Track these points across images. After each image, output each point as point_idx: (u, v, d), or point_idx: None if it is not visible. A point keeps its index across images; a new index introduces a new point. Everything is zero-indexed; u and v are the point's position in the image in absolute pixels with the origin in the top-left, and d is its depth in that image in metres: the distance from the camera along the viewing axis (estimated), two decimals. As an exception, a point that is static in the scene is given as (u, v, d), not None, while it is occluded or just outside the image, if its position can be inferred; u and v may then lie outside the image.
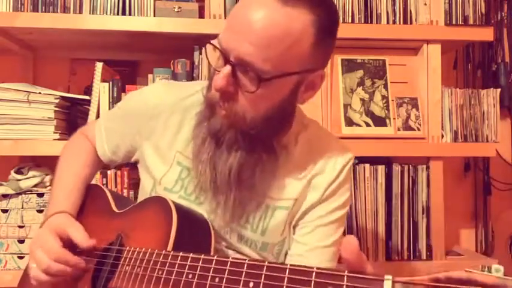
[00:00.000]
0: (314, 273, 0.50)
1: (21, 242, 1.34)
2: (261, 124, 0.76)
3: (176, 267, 0.66)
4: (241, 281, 0.57)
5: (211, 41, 0.75)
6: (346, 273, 0.47)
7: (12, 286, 0.99)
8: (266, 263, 0.56)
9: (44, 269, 0.77)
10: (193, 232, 0.78)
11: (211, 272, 0.62)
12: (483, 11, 1.46)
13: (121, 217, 0.86)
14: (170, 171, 0.87)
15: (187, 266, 0.65)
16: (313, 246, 0.85)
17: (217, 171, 0.79)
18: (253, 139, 0.78)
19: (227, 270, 0.60)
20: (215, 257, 0.63)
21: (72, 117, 1.45)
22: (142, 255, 0.73)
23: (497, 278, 0.38)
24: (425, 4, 1.46)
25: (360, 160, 1.43)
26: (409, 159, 1.46)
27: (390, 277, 0.43)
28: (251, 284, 0.56)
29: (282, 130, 0.83)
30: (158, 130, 0.89)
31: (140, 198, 0.95)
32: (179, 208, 0.77)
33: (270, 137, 0.81)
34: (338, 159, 0.86)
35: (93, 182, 1.23)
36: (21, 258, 1.34)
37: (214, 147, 0.79)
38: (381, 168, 1.43)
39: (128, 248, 0.77)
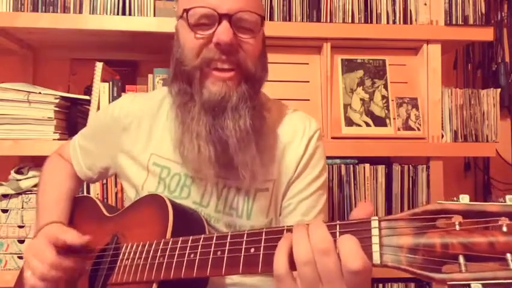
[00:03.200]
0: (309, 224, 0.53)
1: (21, 242, 1.34)
2: (260, 71, 0.81)
3: (177, 250, 0.67)
4: (243, 249, 0.59)
5: (192, 7, 0.77)
6: (337, 222, 0.52)
7: (12, 286, 0.99)
8: (264, 229, 0.58)
9: (40, 276, 0.78)
10: (188, 224, 0.79)
11: (212, 247, 0.63)
12: (483, 11, 1.46)
13: (114, 219, 0.87)
14: (150, 175, 0.88)
15: (188, 247, 0.66)
16: (301, 220, 0.85)
17: (225, 139, 0.77)
18: (255, 91, 0.81)
19: (228, 243, 0.62)
20: (215, 234, 0.65)
21: (72, 117, 1.45)
22: (141, 247, 0.73)
23: (465, 204, 0.44)
24: (425, 4, 1.46)
25: (360, 160, 1.43)
26: (409, 159, 1.46)
27: (376, 217, 0.49)
28: (252, 250, 0.58)
29: (264, 81, 0.86)
30: (130, 139, 0.91)
31: (126, 204, 0.95)
32: (173, 201, 0.78)
33: (260, 89, 0.84)
34: (305, 133, 0.88)
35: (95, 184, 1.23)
36: (21, 258, 1.34)
37: (211, 120, 0.78)
38: (381, 168, 1.43)
39: (125, 244, 0.77)
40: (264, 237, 0.58)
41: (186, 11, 0.77)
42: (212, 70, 0.77)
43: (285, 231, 0.56)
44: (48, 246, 0.79)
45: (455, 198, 0.45)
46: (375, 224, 0.49)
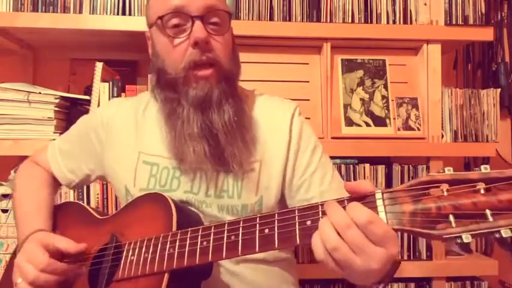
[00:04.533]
0: (320, 206, 0.61)
1: (21, 242, 1.34)
2: (234, 67, 0.86)
3: (188, 240, 0.69)
4: (257, 230, 0.64)
5: (164, 15, 0.81)
6: (345, 198, 0.59)
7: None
8: (277, 211, 0.64)
9: (31, 281, 0.77)
10: (188, 215, 0.81)
11: (225, 233, 0.67)
12: (483, 11, 1.46)
13: (110, 221, 0.87)
14: (138, 172, 0.89)
15: (199, 236, 0.69)
16: (320, 192, 0.88)
17: (216, 132, 0.82)
18: (232, 87, 0.85)
19: (241, 227, 0.66)
20: (227, 221, 0.68)
21: (72, 117, 1.45)
22: (147, 242, 0.74)
23: (450, 174, 0.54)
24: (425, 4, 1.46)
25: (360, 160, 1.43)
26: (409, 159, 1.46)
27: (380, 190, 0.58)
28: (266, 230, 0.64)
29: (239, 72, 0.90)
30: (116, 140, 0.92)
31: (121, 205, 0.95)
32: (171, 197, 0.79)
33: (236, 79, 0.89)
34: (285, 112, 0.92)
35: (93, 183, 1.22)
36: (21, 258, 1.34)
37: (201, 115, 0.82)
38: (381, 168, 1.43)
39: (127, 242, 0.77)
40: (276, 218, 0.63)
41: (160, 18, 0.81)
42: (194, 71, 0.81)
43: (296, 210, 0.62)
44: (41, 250, 0.79)
45: (441, 170, 0.55)
46: (379, 195, 0.57)
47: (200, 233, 0.69)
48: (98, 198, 1.38)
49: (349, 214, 0.55)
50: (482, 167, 0.53)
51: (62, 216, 0.94)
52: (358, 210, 0.55)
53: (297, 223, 0.61)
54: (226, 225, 0.67)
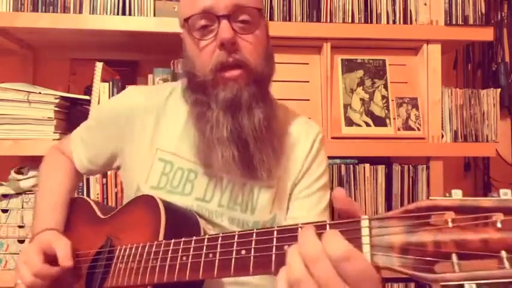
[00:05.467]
0: (299, 229, 0.52)
1: (21, 242, 1.34)
2: (265, 67, 0.82)
3: (170, 253, 0.67)
4: (234, 251, 0.58)
5: (190, 16, 0.79)
6: (327, 222, 0.50)
7: (12, 286, 0.99)
8: (255, 230, 0.58)
9: (28, 284, 0.78)
10: (182, 224, 0.79)
11: (204, 250, 0.62)
12: (483, 11, 1.46)
13: (108, 222, 0.86)
14: (153, 169, 0.87)
15: (180, 250, 0.66)
16: (305, 217, 0.87)
17: (245, 137, 0.79)
18: (263, 89, 0.82)
19: (219, 245, 0.61)
20: (207, 236, 0.64)
21: (72, 117, 1.45)
22: (134, 250, 0.73)
23: (457, 200, 0.42)
24: (425, 4, 1.46)
25: (360, 160, 1.43)
26: (409, 159, 1.46)
27: (366, 216, 0.47)
28: (243, 252, 0.58)
29: (273, 72, 0.87)
30: (135, 132, 0.90)
31: (125, 201, 0.95)
32: (165, 202, 0.78)
33: (269, 84, 0.86)
34: (309, 135, 0.91)
35: (93, 181, 1.23)
36: (21, 258, 1.34)
37: (231, 119, 0.79)
38: (381, 168, 1.43)
39: (119, 247, 0.77)
40: (254, 238, 0.57)
41: (186, 20, 0.80)
42: (222, 73, 0.79)
43: (275, 231, 0.55)
44: (36, 254, 0.79)
45: (447, 194, 0.43)
46: (365, 223, 0.47)
47: (181, 245, 0.66)
48: (97, 198, 1.38)
49: (323, 244, 0.45)
50: (501, 191, 0.41)
51: (69, 214, 0.94)
52: (334, 242, 0.45)
53: (274, 247, 0.54)
54: (206, 240, 0.63)
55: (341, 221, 0.49)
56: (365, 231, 0.46)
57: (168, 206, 0.77)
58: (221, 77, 0.79)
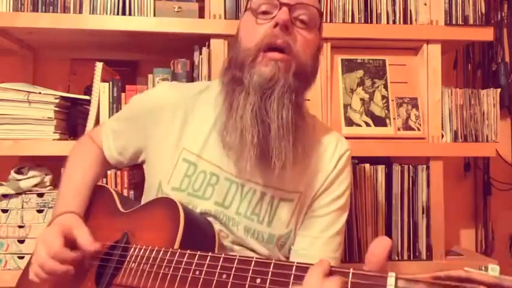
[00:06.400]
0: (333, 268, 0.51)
1: (21, 242, 1.34)
2: (311, 65, 0.83)
3: (183, 264, 0.67)
4: (248, 277, 0.58)
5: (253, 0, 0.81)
6: (351, 270, 0.49)
7: (12, 286, 0.99)
8: (273, 261, 0.58)
9: (40, 264, 0.77)
10: (198, 234, 0.78)
11: (218, 269, 0.62)
12: (483, 11, 1.46)
13: (127, 217, 0.87)
14: (176, 169, 0.87)
15: (194, 263, 0.66)
16: (317, 237, 0.86)
17: (269, 122, 0.77)
18: (301, 87, 0.81)
19: (234, 268, 0.61)
20: (223, 255, 0.64)
21: (72, 117, 1.45)
22: (148, 252, 0.73)
23: (493, 277, 0.40)
24: (425, 4, 1.46)
25: (360, 160, 1.43)
26: (409, 159, 1.46)
27: (394, 274, 0.45)
28: (258, 280, 0.58)
29: (315, 77, 0.87)
30: (162, 128, 0.90)
31: (145, 198, 0.95)
32: (186, 210, 0.77)
33: (308, 84, 0.85)
34: (336, 151, 0.90)
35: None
36: (21, 258, 1.34)
37: (259, 99, 0.78)
38: (381, 168, 1.43)
39: (134, 246, 0.77)
40: (271, 269, 0.57)
41: (249, 1, 0.82)
42: (265, 52, 0.78)
43: (294, 267, 0.55)
44: (57, 236, 0.79)
45: (483, 268, 0.42)
46: (391, 281, 0.45)
47: (196, 259, 0.66)
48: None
49: None
50: None
51: (91, 201, 0.94)
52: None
53: (291, 283, 0.54)
54: (221, 259, 0.63)
55: (366, 273, 0.48)
56: None
57: (188, 214, 0.77)
58: (263, 56, 0.78)
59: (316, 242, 0.86)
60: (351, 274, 0.49)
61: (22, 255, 1.34)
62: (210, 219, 0.85)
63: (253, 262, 0.59)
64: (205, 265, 0.64)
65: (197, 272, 0.64)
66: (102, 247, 0.82)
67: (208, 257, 0.65)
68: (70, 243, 0.80)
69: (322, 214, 0.88)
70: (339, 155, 0.90)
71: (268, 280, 0.56)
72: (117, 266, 0.77)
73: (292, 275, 0.54)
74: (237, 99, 0.79)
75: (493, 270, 0.41)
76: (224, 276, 0.61)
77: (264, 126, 0.78)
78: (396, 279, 0.45)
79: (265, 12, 0.80)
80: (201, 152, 0.87)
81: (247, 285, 0.58)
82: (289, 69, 0.78)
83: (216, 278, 0.62)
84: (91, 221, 0.89)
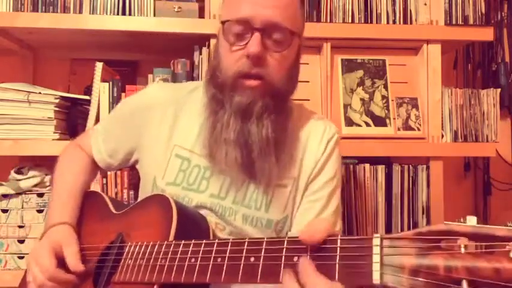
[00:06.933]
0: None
1: (21, 242, 1.34)
2: (285, 84, 0.85)
3: (179, 254, 0.68)
4: (243, 257, 0.59)
5: (228, 20, 0.81)
6: (339, 237, 0.52)
7: (12, 286, 0.99)
8: (265, 238, 0.59)
9: (39, 284, 0.80)
10: (192, 229, 0.79)
11: (213, 253, 0.63)
12: (483, 11, 1.46)
13: (120, 218, 0.87)
14: (170, 164, 0.89)
15: (189, 252, 0.67)
16: (313, 220, 0.88)
17: (251, 143, 0.82)
18: (277, 104, 0.84)
19: (228, 250, 0.62)
20: (216, 240, 0.65)
21: (72, 117, 1.45)
22: (144, 248, 0.74)
23: (472, 227, 0.42)
24: (425, 4, 1.46)
25: (360, 160, 1.43)
26: (409, 159, 1.46)
27: (379, 234, 0.48)
28: (252, 259, 0.59)
29: (292, 91, 0.90)
30: (155, 126, 0.92)
31: (141, 196, 0.96)
32: (178, 204, 0.79)
33: (286, 98, 0.88)
34: (324, 135, 0.92)
35: (94, 181, 1.23)
36: (21, 258, 1.34)
37: (240, 123, 0.82)
38: (381, 168, 1.43)
39: (129, 244, 0.77)
40: (264, 247, 0.58)
41: (223, 23, 0.82)
42: (242, 80, 0.81)
43: (285, 241, 0.56)
44: (49, 255, 0.80)
45: (462, 220, 0.43)
46: (376, 241, 0.48)
47: (191, 247, 0.67)
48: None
49: (302, 279, 0.51)
50: None
51: (82, 207, 0.95)
52: (312, 279, 0.50)
53: (284, 257, 0.55)
54: (215, 244, 0.65)
55: (353, 238, 0.51)
56: (376, 250, 0.47)
57: (181, 208, 0.78)
58: (241, 83, 0.81)
59: None
60: (339, 240, 0.51)
61: (22, 255, 1.34)
62: (207, 212, 0.86)
63: (246, 243, 0.61)
64: (200, 252, 0.65)
65: (193, 260, 0.65)
66: (98, 248, 0.83)
67: (203, 244, 0.66)
68: (62, 261, 0.81)
69: (317, 198, 0.90)
70: (327, 139, 0.92)
71: (262, 257, 0.57)
72: (114, 265, 0.78)
73: (284, 249, 0.56)
74: (220, 121, 0.83)
75: (470, 221, 0.43)
76: (219, 259, 0.62)
77: (247, 145, 0.82)
78: (381, 239, 0.47)
79: (239, 34, 0.81)
80: (194, 147, 0.88)
81: (241, 265, 0.59)
82: (265, 93, 0.82)
83: (211, 262, 0.63)
84: (85, 227, 0.89)
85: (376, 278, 0.46)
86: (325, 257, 0.52)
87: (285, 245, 0.56)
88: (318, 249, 0.53)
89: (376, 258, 0.47)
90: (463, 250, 0.42)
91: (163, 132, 0.90)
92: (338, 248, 0.51)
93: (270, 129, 0.82)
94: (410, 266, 0.44)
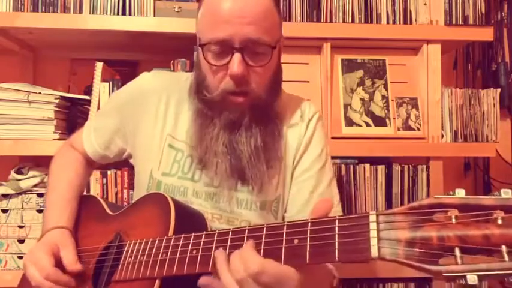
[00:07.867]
0: (309, 223, 0.56)
1: (21, 242, 1.34)
2: (271, 92, 0.85)
3: (180, 247, 0.69)
4: (244, 245, 0.61)
5: (207, 43, 0.80)
6: (337, 217, 0.54)
7: (12, 286, 0.99)
8: (265, 225, 0.61)
9: (37, 285, 0.79)
10: (190, 222, 0.80)
11: (214, 244, 0.65)
12: (483, 11, 1.46)
13: (117, 218, 0.87)
14: (164, 155, 0.90)
15: (190, 244, 0.68)
16: (307, 199, 0.89)
17: (239, 153, 0.83)
18: (265, 112, 0.85)
19: (229, 239, 0.64)
20: (217, 231, 0.67)
21: (72, 117, 1.45)
22: (144, 244, 0.74)
23: (460, 198, 0.45)
24: (425, 4, 1.46)
25: (360, 160, 1.43)
26: (409, 159, 1.46)
27: (374, 211, 0.51)
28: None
29: (278, 95, 0.90)
30: (147, 115, 0.92)
31: (137, 191, 0.97)
32: (176, 201, 0.79)
33: (273, 104, 0.88)
34: (304, 115, 0.94)
35: (93, 181, 1.24)
36: (21, 258, 1.34)
37: (228, 135, 0.83)
38: (381, 168, 1.43)
39: (128, 242, 0.78)
40: (264, 233, 0.60)
41: (202, 46, 0.82)
42: (229, 95, 0.82)
43: (285, 226, 0.59)
44: (46, 256, 0.80)
45: (451, 192, 0.46)
46: (372, 218, 0.50)
47: (191, 240, 0.68)
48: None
49: (242, 260, 0.57)
50: (502, 191, 0.44)
51: (78, 211, 0.95)
52: (250, 259, 0.57)
53: (284, 240, 0.58)
54: (216, 235, 0.66)
55: (350, 216, 0.53)
56: (373, 226, 0.50)
57: (178, 204, 0.79)
58: (229, 100, 0.82)
59: (309, 204, 0.88)
60: (337, 220, 0.54)
61: (22, 255, 1.34)
62: (201, 202, 0.87)
63: (246, 230, 0.62)
64: (201, 243, 0.67)
65: (194, 251, 0.67)
66: (96, 250, 0.83)
67: (203, 235, 0.67)
68: (59, 262, 0.81)
69: (307, 177, 0.91)
70: (308, 119, 0.93)
71: (263, 243, 0.59)
72: (114, 264, 0.78)
73: (284, 233, 0.58)
74: (209, 135, 0.84)
75: (459, 193, 0.45)
76: (221, 249, 0.64)
77: (236, 156, 0.83)
78: (377, 215, 0.50)
79: (219, 55, 0.80)
80: (187, 138, 0.89)
81: None
82: (252, 106, 0.83)
83: (213, 252, 0.64)
84: (82, 230, 0.90)
85: (374, 252, 0.49)
86: (324, 237, 0.54)
87: (285, 229, 0.58)
88: (317, 231, 0.55)
89: (373, 233, 0.49)
90: (454, 221, 0.44)
91: (157, 120, 0.91)
92: (336, 228, 0.53)
93: (259, 138, 0.84)
94: (406, 238, 0.47)
